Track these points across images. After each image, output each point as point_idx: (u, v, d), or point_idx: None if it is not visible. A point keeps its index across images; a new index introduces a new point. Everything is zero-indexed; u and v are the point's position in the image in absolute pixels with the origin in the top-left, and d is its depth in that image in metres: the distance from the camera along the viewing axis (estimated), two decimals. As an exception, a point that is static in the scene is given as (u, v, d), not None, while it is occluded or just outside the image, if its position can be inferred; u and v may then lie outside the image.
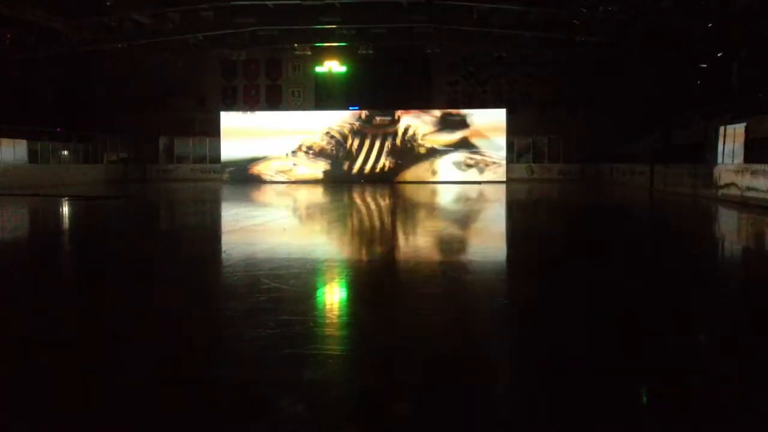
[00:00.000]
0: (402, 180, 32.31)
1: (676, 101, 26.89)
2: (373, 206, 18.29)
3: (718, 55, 23.06)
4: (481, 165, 32.51)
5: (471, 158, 32.56)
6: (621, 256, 8.42)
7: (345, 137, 33.27)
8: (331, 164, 33.35)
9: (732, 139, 19.28)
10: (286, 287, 5.87)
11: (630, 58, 29.77)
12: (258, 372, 3.63)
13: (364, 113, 33.25)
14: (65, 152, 31.43)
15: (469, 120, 32.81)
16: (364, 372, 3.71)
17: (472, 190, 24.82)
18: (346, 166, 33.23)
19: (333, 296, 5.94)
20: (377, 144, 33.15)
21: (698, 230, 12.61)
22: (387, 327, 4.70)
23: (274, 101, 35.65)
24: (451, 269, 7.27)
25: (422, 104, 33.76)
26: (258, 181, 32.87)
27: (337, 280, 6.66)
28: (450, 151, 32.59)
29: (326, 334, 4.46)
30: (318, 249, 8.89)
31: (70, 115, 32.23)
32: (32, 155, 28.43)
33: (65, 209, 16.32)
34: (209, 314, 5.11)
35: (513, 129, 32.70)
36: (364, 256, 8.38)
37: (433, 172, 32.65)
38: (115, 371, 3.69)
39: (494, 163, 32.47)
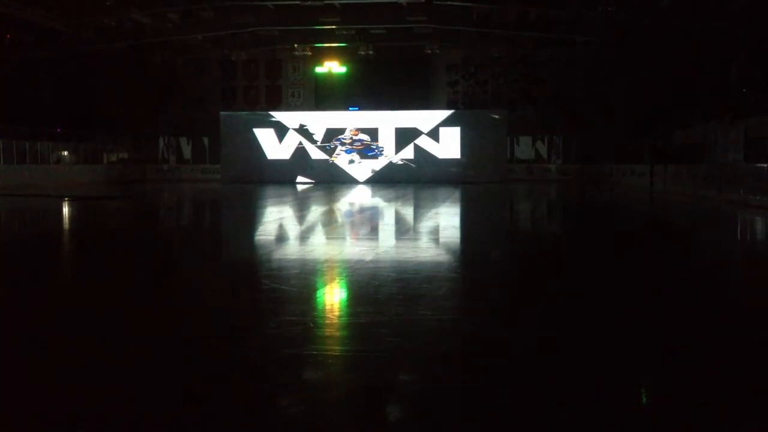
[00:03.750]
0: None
1: (676, 101, 26.88)
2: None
3: (718, 55, 23.05)
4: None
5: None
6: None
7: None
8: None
9: (732, 140, 19.25)
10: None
11: (630, 57, 29.79)
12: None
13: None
14: (65, 152, 31.39)
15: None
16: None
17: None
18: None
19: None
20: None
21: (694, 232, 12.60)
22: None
23: (273, 102, 35.62)
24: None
25: (422, 105, 33.74)
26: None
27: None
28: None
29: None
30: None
31: (69, 116, 32.21)
32: (32, 155, 28.38)
33: (71, 210, 16.31)
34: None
35: (512, 129, 32.66)
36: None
37: None
38: (116, 372, 3.68)
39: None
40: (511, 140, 33.06)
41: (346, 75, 34.19)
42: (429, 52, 32.10)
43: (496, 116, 32.02)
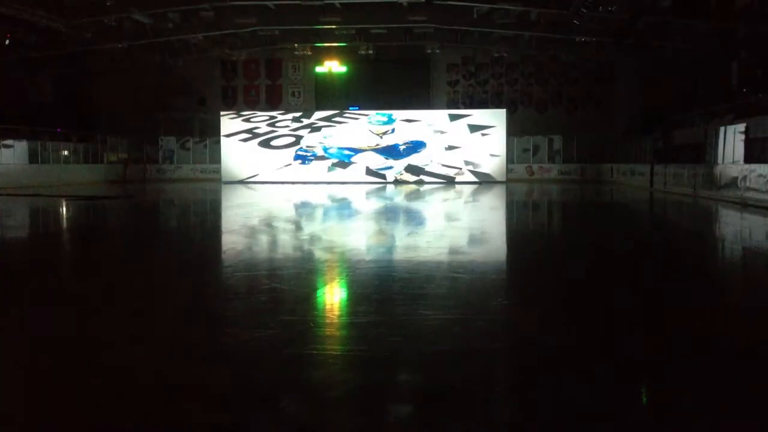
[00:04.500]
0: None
1: (676, 101, 26.91)
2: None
3: (718, 55, 23.05)
4: None
5: None
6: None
7: None
8: None
9: (732, 140, 19.26)
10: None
11: (630, 58, 29.81)
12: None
13: None
14: (65, 152, 31.36)
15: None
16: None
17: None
18: None
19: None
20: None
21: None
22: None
23: (274, 101, 35.62)
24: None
25: (422, 104, 33.73)
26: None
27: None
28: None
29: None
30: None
31: (70, 115, 32.22)
32: (32, 155, 28.37)
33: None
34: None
35: (513, 129, 32.63)
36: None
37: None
38: (117, 374, 3.68)
39: None
40: (512, 140, 33.00)
41: (347, 74, 34.20)
42: (429, 51, 32.08)
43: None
